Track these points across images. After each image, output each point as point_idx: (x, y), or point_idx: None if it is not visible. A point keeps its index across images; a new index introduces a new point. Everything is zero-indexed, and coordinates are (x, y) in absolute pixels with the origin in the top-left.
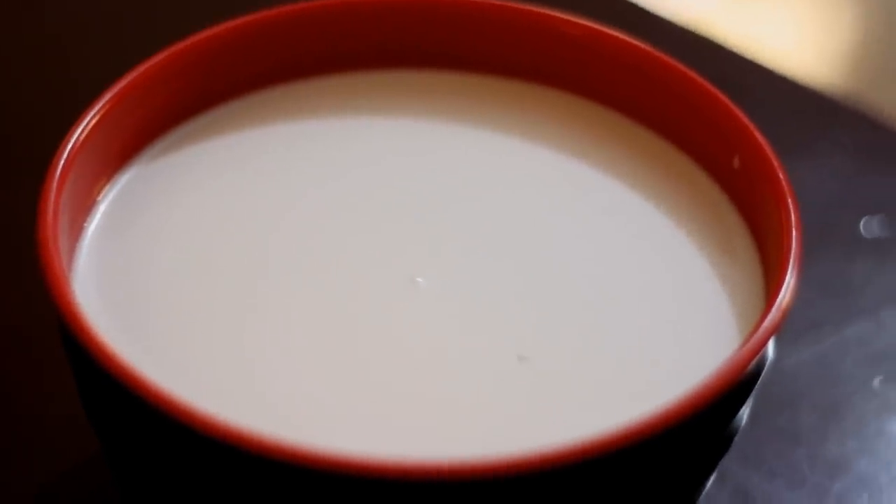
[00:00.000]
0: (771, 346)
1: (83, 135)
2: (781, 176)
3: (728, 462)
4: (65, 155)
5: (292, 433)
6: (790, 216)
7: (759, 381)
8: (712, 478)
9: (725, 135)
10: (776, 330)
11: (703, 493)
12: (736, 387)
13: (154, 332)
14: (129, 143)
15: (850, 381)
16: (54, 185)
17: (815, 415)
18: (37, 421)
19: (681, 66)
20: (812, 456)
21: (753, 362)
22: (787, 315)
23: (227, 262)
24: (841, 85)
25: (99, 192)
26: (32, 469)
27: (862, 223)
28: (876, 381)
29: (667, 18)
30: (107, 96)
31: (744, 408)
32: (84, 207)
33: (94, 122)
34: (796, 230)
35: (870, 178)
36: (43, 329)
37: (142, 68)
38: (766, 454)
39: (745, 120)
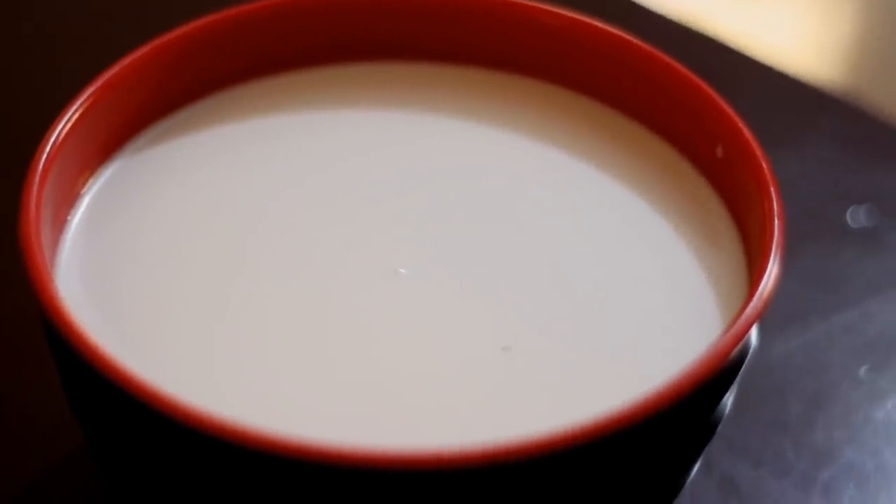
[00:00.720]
0: (754, 334)
1: (67, 127)
2: (764, 165)
3: (715, 451)
4: (48, 147)
5: (275, 425)
6: (773, 204)
7: (742, 369)
8: (697, 465)
9: (708, 124)
10: (759, 317)
11: (689, 480)
12: (719, 374)
13: (137, 325)
14: (113, 136)
15: (837, 370)
16: (37, 177)
17: (801, 404)
18: (20, 415)
19: (664, 56)
20: (799, 444)
21: (736, 350)
22: (770, 302)
23: (210, 254)
24: (840, 81)
25: (83, 185)
26: (17, 463)
27: (849, 213)
28: (862, 370)
29: (657, 12)
30: (90, 89)
31: (728, 395)
32: (68, 200)
33: (77, 114)
34: (779, 218)
35: (857, 168)
36: (26, 323)
37: (126, 61)
38: (753, 443)
39: (728, 109)
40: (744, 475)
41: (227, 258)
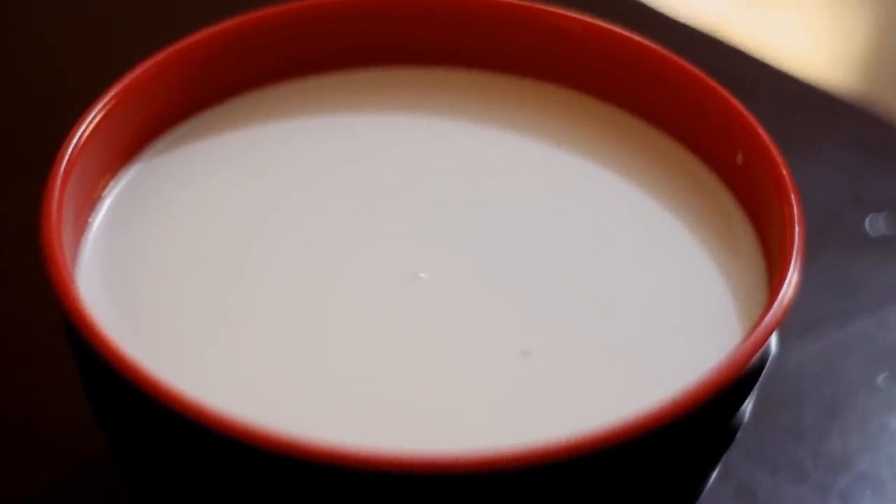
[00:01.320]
0: (774, 341)
1: (88, 130)
2: (784, 171)
3: (732, 458)
4: (69, 150)
5: (297, 428)
6: (793, 211)
7: (762, 376)
8: (715, 473)
9: (728, 131)
10: (779, 324)
11: (707, 487)
12: (738, 381)
13: (157, 326)
14: (133, 139)
15: (854, 378)
16: (59, 180)
17: (818, 411)
18: (42, 417)
19: (683, 62)
20: (815, 452)
21: (756, 357)
22: (790, 310)
23: (230, 257)
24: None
25: (104, 188)
26: (39, 465)
27: (867, 221)
28: (879, 378)
29: (673, 17)
30: (112, 92)
31: (747, 402)
32: (88, 203)
33: (99, 117)
34: (799, 225)
35: (873, 174)
36: (47, 325)
37: (147, 65)
38: (770, 451)
39: (748, 116)
40: (761, 482)
41: (247, 261)
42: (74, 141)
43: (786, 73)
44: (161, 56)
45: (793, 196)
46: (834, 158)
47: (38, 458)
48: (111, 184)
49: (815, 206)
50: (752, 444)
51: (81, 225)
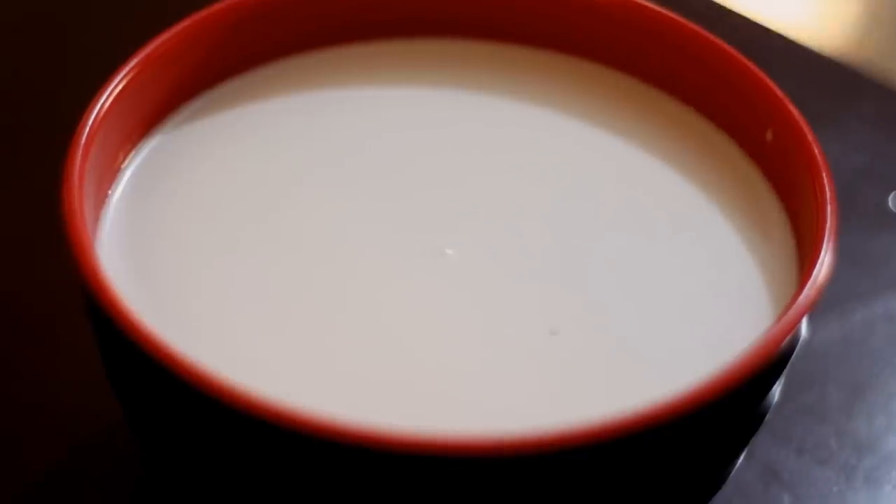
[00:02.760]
0: (804, 324)
1: (109, 101)
2: (816, 150)
3: (756, 439)
4: (90, 122)
5: (316, 405)
6: (825, 191)
7: (791, 359)
8: (743, 455)
9: (758, 108)
10: (811, 307)
11: (734, 469)
12: (770, 364)
13: (177, 299)
14: (154, 110)
15: (878, 358)
16: (80, 152)
17: (842, 392)
18: (59, 388)
19: (713, 38)
20: (840, 433)
21: (788, 339)
22: (823, 292)
23: (251, 229)
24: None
25: (124, 159)
26: (55, 436)
27: (890, 198)
28: None
29: None
30: (131, 63)
31: (776, 386)
32: (109, 174)
33: (119, 88)
34: (831, 205)
35: None
36: (67, 296)
37: (167, 35)
38: (794, 431)
39: (779, 93)
40: (786, 463)
41: (268, 234)
42: (95, 112)
43: (805, 46)
44: (182, 26)
45: (825, 175)
46: (855, 134)
47: (57, 426)
48: (131, 155)
49: (837, 182)
50: (777, 424)
51: (102, 197)
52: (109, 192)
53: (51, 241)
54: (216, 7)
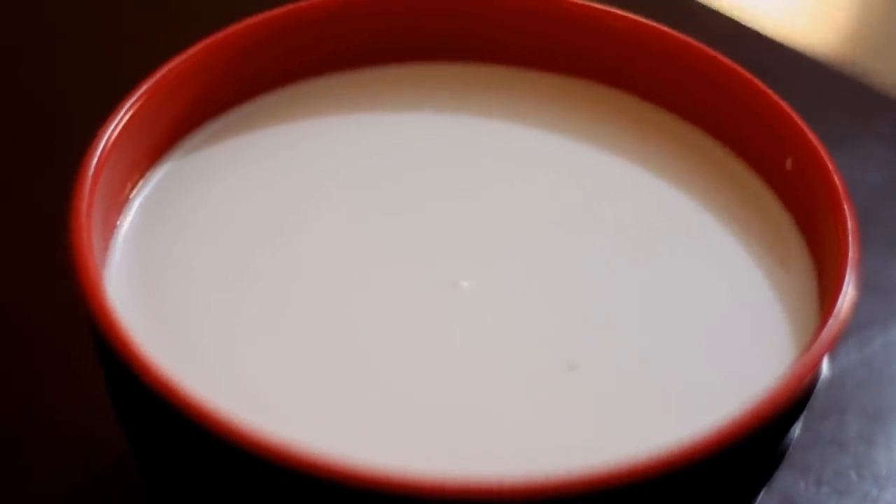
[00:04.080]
0: (826, 360)
1: (117, 130)
2: (836, 179)
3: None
4: (98, 151)
5: (326, 445)
6: (846, 223)
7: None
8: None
9: (778, 136)
10: (834, 343)
11: None
12: (793, 402)
13: (187, 332)
14: (162, 138)
15: None
16: (88, 182)
17: (862, 420)
18: (66, 421)
19: (733, 65)
20: (859, 463)
21: (811, 376)
22: (846, 327)
23: (261, 259)
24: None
25: (132, 188)
26: (61, 470)
27: None
28: None
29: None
30: (139, 91)
31: (797, 423)
32: (117, 204)
33: (128, 116)
34: (853, 237)
35: None
36: (72, 328)
37: (175, 63)
38: (814, 462)
39: (799, 121)
40: (805, 495)
41: (278, 264)
42: (103, 141)
43: (821, 63)
44: (189, 54)
45: (846, 206)
46: (872, 154)
47: (62, 459)
48: (140, 184)
49: (854, 203)
50: (796, 455)
51: (110, 227)
52: (118, 221)
53: (59, 270)
54: (223, 34)
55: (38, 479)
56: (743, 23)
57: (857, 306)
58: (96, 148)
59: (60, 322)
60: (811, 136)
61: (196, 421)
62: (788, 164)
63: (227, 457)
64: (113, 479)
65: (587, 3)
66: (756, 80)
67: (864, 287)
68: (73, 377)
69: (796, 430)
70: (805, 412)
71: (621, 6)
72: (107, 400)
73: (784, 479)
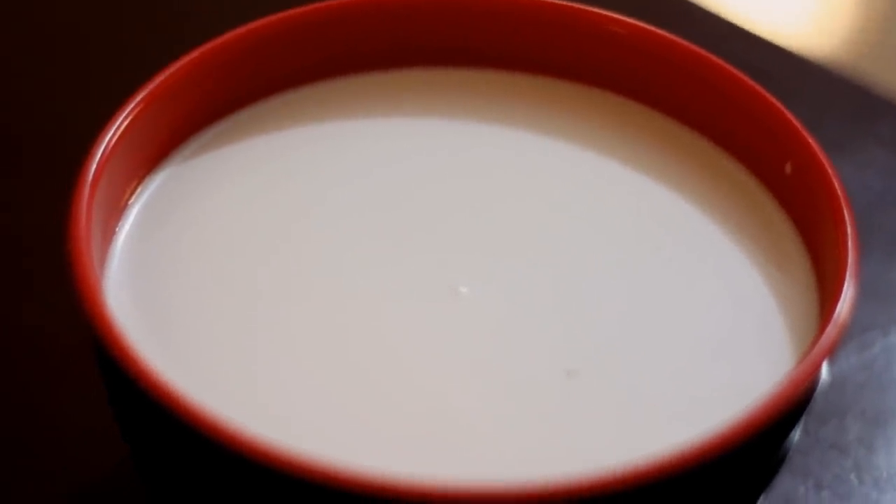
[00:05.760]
0: (825, 365)
1: (115, 137)
2: (836, 184)
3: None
4: (97, 158)
5: (323, 450)
6: (846, 228)
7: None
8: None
9: (778, 140)
10: (833, 348)
11: None
12: (792, 407)
13: (186, 338)
14: (161, 144)
15: None
16: (86, 189)
17: (862, 424)
18: (65, 428)
19: (732, 70)
20: (859, 467)
21: (810, 381)
22: (845, 332)
23: (261, 266)
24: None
25: (131, 195)
26: (61, 477)
27: None
28: None
29: (696, 4)
30: (139, 97)
31: (797, 427)
32: (116, 210)
33: (126, 123)
34: (853, 242)
35: None
36: (72, 335)
37: (174, 68)
38: (813, 466)
39: (798, 125)
40: (805, 498)
41: (278, 271)
42: (101, 148)
43: (821, 66)
44: (188, 59)
45: (846, 211)
46: (872, 159)
47: (61, 468)
48: (139, 190)
49: (855, 208)
50: (796, 459)
51: (109, 234)
52: (116, 228)
53: (58, 277)
54: (222, 39)
55: (39, 484)
56: (743, 27)
57: (857, 311)
58: (95, 154)
59: (60, 327)
60: (811, 140)
61: (195, 427)
62: (788, 168)
63: (226, 463)
64: (112, 485)
65: (587, 7)
66: (756, 85)
67: (864, 292)
68: (73, 382)
69: (796, 434)
70: (805, 416)
71: (623, 10)
72: (106, 405)
73: (784, 483)
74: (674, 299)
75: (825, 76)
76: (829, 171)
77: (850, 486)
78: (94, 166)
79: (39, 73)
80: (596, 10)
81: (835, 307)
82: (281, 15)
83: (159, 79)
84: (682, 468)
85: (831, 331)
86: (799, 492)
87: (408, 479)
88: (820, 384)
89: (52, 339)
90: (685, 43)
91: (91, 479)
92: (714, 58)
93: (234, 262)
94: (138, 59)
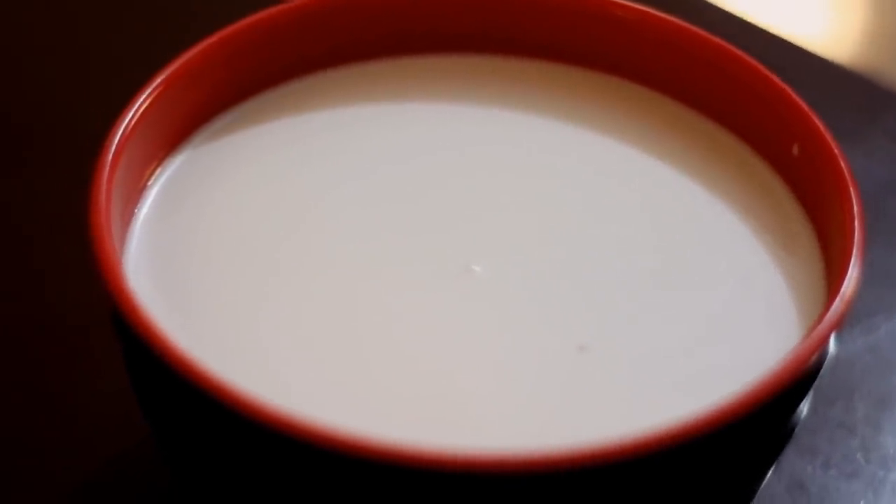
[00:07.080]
0: (832, 340)
1: (135, 118)
2: (843, 164)
3: (783, 453)
4: (116, 139)
5: (342, 422)
6: (852, 205)
7: (820, 374)
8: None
9: (785, 122)
10: (840, 323)
11: (763, 485)
12: (799, 380)
13: (206, 317)
14: (179, 127)
15: None
16: (106, 170)
17: (869, 405)
18: (87, 405)
19: (740, 53)
20: (866, 447)
21: (816, 355)
22: (851, 308)
23: (278, 246)
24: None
25: (150, 177)
26: (83, 453)
27: None
28: None
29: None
30: (157, 80)
31: (804, 402)
32: (135, 192)
33: (146, 104)
34: (859, 220)
35: None
36: (92, 313)
37: (193, 52)
38: (822, 445)
39: (805, 107)
40: (813, 477)
41: (295, 251)
42: (121, 129)
43: (827, 59)
44: (208, 43)
45: (852, 189)
46: (880, 148)
47: (81, 446)
48: (157, 172)
49: (862, 196)
50: (804, 438)
51: (128, 215)
52: (136, 209)
53: (78, 258)
54: (241, 24)
55: (57, 463)
56: (751, 21)
57: (864, 295)
58: (114, 136)
59: (79, 311)
60: (817, 121)
61: (219, 400)
62: (795, 149)
63: (247, 435)
64: (134, 464)
65: None
66: (762, 67)
67: (871, 277)
68: (92, 364)
69: (804, 409)
70: (812, 393)
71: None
72: (126, 385)
73: (792, 461)
74: (683, 278)
75: (833, 69)
76: (836, 151)
77: (858, 465)
78: (113, 148)
79: (61, 54)
80: None
81: (842, 281)
82: (299, 1)
83: (179, 61)
84: (690, 436)
85: (837, 307)
86: (807, 470)
87: (430, 447)
88: (827, 359)
89: (73, 320)
90: (691, 27)
91: (112, 455)
92: (719, 41)
93: (251, 243)
94: (160, 41)
